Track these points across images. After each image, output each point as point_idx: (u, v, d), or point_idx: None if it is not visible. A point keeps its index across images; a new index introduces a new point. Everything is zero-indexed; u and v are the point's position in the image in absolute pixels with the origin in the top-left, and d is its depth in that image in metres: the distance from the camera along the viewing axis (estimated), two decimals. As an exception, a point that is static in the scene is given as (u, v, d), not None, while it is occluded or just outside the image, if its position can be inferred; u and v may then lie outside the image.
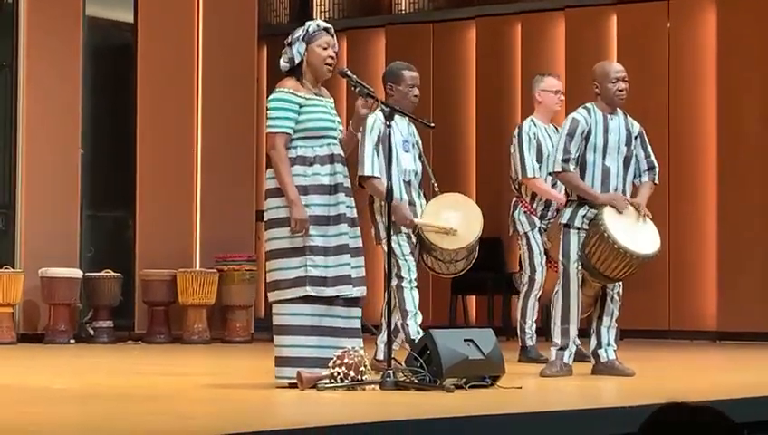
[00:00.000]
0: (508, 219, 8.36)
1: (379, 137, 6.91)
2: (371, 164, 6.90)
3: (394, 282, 6.87)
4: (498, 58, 12.51)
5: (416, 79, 7.09)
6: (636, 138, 7.01)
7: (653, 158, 7.07)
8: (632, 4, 11.94)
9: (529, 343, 8.24)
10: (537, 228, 8.14)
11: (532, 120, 8.22)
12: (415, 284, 7.00)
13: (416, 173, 7.10)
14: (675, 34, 11.77)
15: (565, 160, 6.87)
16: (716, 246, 11.48)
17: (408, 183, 7.05)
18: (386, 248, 6.75)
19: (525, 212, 8.13)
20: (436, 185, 7.12)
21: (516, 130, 8.24)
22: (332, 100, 6.18)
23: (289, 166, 5.94)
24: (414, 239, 7.03)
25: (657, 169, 7.07)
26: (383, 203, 6.72)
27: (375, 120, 6.81)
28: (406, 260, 6.99)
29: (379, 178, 6.87)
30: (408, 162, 7.05)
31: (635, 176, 7.03)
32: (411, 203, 7.04)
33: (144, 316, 10.77)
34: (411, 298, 6.96)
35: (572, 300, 6.86)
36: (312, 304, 5.90)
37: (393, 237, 6.80)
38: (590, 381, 6.75)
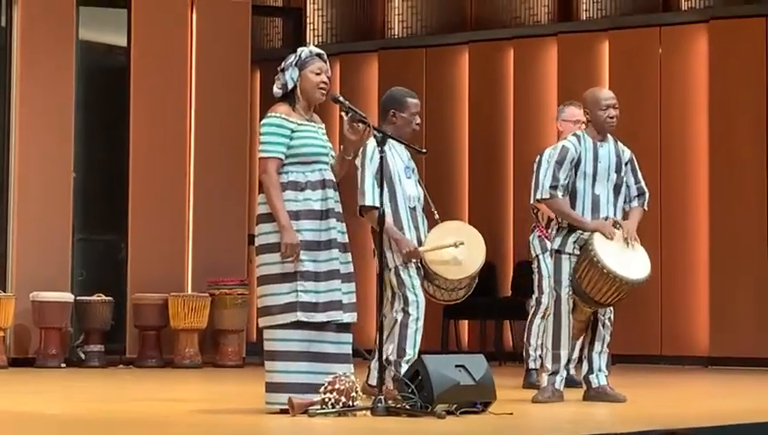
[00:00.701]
0: (524, 244, 8.42)
1: (380, 164, 6.80)
2: (372, 194, 6.78)
3: (399, 316, 6.77)
4: (491, 83, 12.54)
5: (418, 106, 7.05)
6: (626, 164, 7.04)
7: (643, 184, 7.10)
8: (624, 30, 11.98)
9: (531, 365, 8.24)
10: (548, 252, 8.10)
11: (554, 148, 8.19)
12: (421, 323, 6.81)
13: (419, 199, 7.00)
14: (666, 60, 11.81)
15: (553, 187, 6.91)
16: (708, 271, 11.49)
17: (413, 209, 6.94)
18: (390, 276, 6.73)
19: (539, 236, 8.18)
20: (436, 213, 7.03)
21: (538, 157, 8.21)
22: (324, 125, 6.19)
23: (280, 191, 5.94)
24: (421, 270, 6.91)
25: (647, 196, 7.10)
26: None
27: (374, 148, 6.65)
28: (416, 295, 6.83)
29: (379, 210, 6.76)
30: (411, 188, 6.95)
31: (625, 202, 7.05)
32: (417, 229, 6.92)
33: (135, 340, 10.75)
34: (414, 341, 6.77)
35: (564, 325, 6.87)
36: (303, 329, 5.90)
37: (402, 268, 6.77)
38: (582, 408, 6.75)
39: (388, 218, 6.77)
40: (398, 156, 6.92)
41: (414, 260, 6.85)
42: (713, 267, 11.44)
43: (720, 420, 6.01)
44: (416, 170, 7.10)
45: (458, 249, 6.85)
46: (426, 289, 6.96)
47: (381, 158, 6.13)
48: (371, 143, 6.53)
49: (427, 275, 6.89)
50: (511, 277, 12.06)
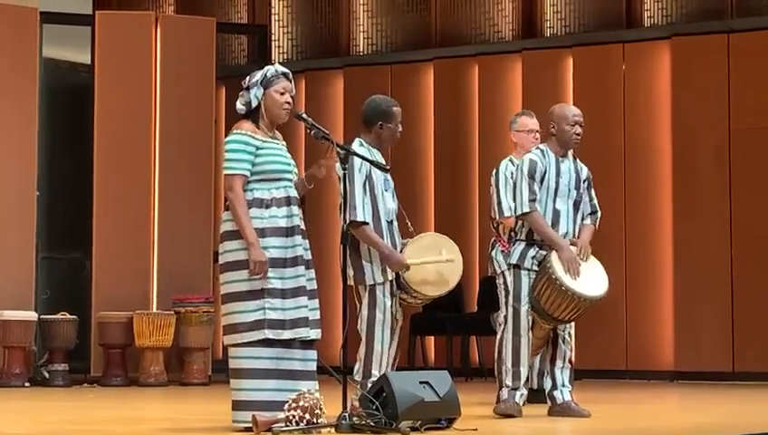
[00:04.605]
0: (487, 260, 8.26)
1: (366, 175, 6.69)
2: (363, 209, 6.63)
3: (364, 335, 6.64)
4: (456, 99, 12.57)
5: (401, 114, 6.99)
6: (584, 181, 7.07)
7: (596, 202, 7.14)
8: (587, 47, 12.06)
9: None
10: None
11: (510, 160, 8.04)
12: (386, 344, 6.67)
13: (395, 212, 6.86)
14: (629, 76, 11.89)
15: (532, 200, 6.89)
16: (672, 286, 11.55)
17: (391, 223, 6.79)
18: (362, 292, 6.68)
19: (503, 251, 8.03)
20: (410, 225, 6.91)
21: (494, 171, 8.11)
22: (285, 143, 6.18)
23: (247, 208, 5.94)
24: (395, 289, 6.74)
25: (599, 215, 7.12)
26: (370, 247, 6.64)
27: (360, 160, 6.55)
28: (384, 316, 6.63)
29: (369, 225, 6.64)
30: (390, 202, 6.81)
31: (582, 218, 7.07)
32: (394, 244, 6.76)
33: (100, 359, 10.70)
34: (380, 361, 6.65)
35: (523, 342, 6.88)
36: (271, 347, 5.89)
37: (380, 286, 6.64)
38: (546, 423, 6.76)
39: (372, 235, 6.68)
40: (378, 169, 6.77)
41: (390, 276, 6.67)
42: (677, 282, 11.51)
43: (687, 434, 6.03)
44: (392, 183, 6.93)
45: (439, 265, 6.69)
46: (403, 299, 6.80)
47: (344, 175, 6.11)
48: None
49: (406, 289, 6.74)
50: (477, 293, 12.08)
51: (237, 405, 5.91)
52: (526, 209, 6.88)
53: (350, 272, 6.67)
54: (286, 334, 5.89)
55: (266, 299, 5.89)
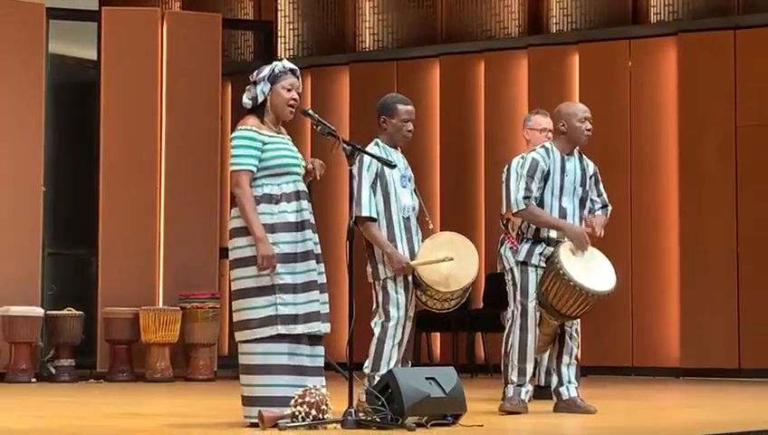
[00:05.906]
0: (494, 256, 8.25)
1: (376, 173, 6.69)
2: (368, 204, 6.65)
3: (377, 330, 6.67)
4: (462, 96, 12.57)
5: (411, 113, 6.87)
6: (590, 178, 7.07)
7: (605, 196, 7.14)
8: (593, 43, 12.05)
9: None
10: None
11: (522, 157, 8.06)
12: (398, 340, 6.66)
13: (413, 208, 6.84)
14: (635, 73, 11.88)
15: (526, 198, 6.90)
16: (678, 282, 11.55)
17: (407, 219, 6.79)
18: (377, 288, 6.69)
19: (511, 248, 8.01)
20: (430, 222, 6.92)
21: (506, 167, 8.11)
22: (290, 138, 6.18)
23: (254, 203, 5.93)
24: (410, 283, 6.74)
25: (610, 208, 7.14)
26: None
27: (371, 158, 6.56)
28: (398, 311, 6.64)
29: (376, 221, 6.66)
30: (406, 198, 6.80)
31: (589, 213, 7.07)
32: (410, 240, 6.79)
33: (106, 355, 10.72)
34: (389, 357, 6.66)
35: (530, 338, 6.89)
36: (283, 342, 5.89)
37: (391, 281, 6.67)
38: (552, 419, 6.77)
39: (382, 230, 6.70)
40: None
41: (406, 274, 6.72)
42: (683, 278, 11.50)
43: (692, 431, 6.03)
44: (412, 179, 6.91)
45: (450, 263, 6.70)
46: (418, 297, 6.82)
47: (351, 171, 6.11)
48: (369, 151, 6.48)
49: (419, 286, 6.75)
50: (482, 290, 12.08)
51: (250, 401, 5.91)
52: (521, 206, 6.90)
53: (369, 269, 6.74)
54: (299, 329, 5.89)
55: (278, 295, 5.88)
